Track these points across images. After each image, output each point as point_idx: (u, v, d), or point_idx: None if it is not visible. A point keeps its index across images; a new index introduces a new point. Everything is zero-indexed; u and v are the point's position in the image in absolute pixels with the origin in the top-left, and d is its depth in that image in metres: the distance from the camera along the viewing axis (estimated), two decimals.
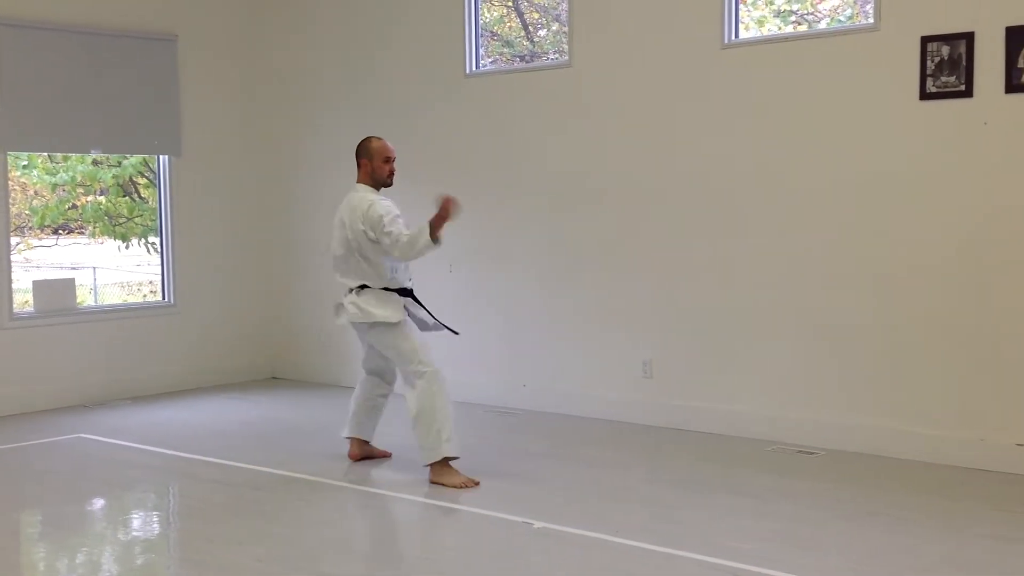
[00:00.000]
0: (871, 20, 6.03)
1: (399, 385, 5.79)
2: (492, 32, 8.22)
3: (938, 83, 5.78)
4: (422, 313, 5.79)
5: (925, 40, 5.79)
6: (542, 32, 8.28)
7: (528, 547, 4.57)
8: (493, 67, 7.90)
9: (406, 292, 5.73)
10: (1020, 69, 5.52)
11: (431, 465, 5.47)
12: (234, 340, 8.87)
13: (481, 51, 7.86)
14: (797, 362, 6.35)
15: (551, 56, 7.84)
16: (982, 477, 5.57)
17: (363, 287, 5.66)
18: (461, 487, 5.35)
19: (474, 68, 7.76)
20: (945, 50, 5.74)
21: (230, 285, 8.83)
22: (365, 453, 6.04)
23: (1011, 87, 5.55)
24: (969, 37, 5.66)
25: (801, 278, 6.31)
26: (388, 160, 5.73)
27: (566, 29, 7.29)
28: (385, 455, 6.10)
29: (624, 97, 6.97)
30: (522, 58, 8.07)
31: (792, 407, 6.37)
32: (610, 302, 7.10)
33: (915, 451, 5.91)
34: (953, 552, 4.40)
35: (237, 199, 8.87)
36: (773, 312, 6.41)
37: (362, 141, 5.83)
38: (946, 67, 5.74)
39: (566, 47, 7.30)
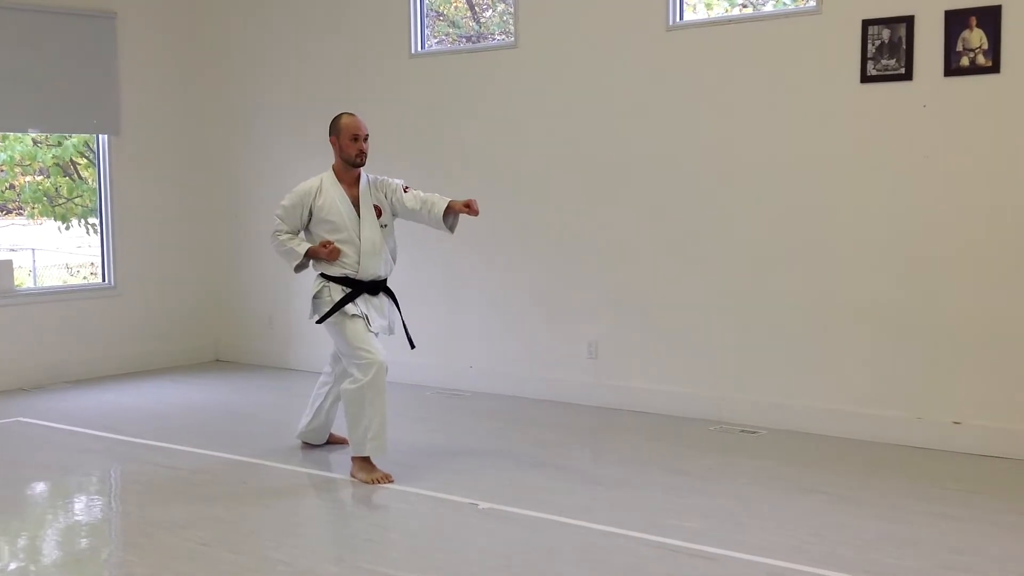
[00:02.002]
0: (813, 3, 6.08)
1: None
2: (438, 13, 8.16)
3: (879, 66, 5.84)
4: (380, 315, 5.47)
5: (866, 23, 5.85)
6: (488, 13, 8.25)
7: (474, 528, 4.58)
8: (438, 48, 7.86)
9: (362, 286, 5.40)
10: (959, 53, 5.60)
11: (353, 457, 5.35)
12: (176, 322, 8.77)
13: (427, 32, 7.81)
14: (739, 343, 6.41)
15: (497, 37, 7.81)
16: (919, 455, 5.68)
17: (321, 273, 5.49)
18: (373, 483, 5.17)
19: (419, 49, 7.72)
20: (886, 33, 5.81)
21: (172, 266, 8.73)
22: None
23: (950, 70, 5.63)
24: (909, 21, 5.73)
25: (742, 260, 6.37)
26: (356, 139, 5.41)
27: (512, 10, 7.27)
28: (342, 441, 5.86)
29: (569, 78, 6.97)
30: (468, 39, 8.03)
31: (734, 388, 6.43)
32: (556, 284, 7.12)
33: (854, 430, 6.01)
34: (891, 529, 4.48)
35: (178, 179, 8.76)
36: (716, 294, 6.47)
37: (333, 118, 5.54)
38: (886, 50, 5.81)
39: (512, 28, 7.28)
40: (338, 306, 5.33)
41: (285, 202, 5.49)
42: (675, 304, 6.64)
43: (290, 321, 8.53)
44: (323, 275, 5.45)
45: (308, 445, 5.94)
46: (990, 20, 5.50)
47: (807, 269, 6.16)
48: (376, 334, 5.41)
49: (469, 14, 8.36)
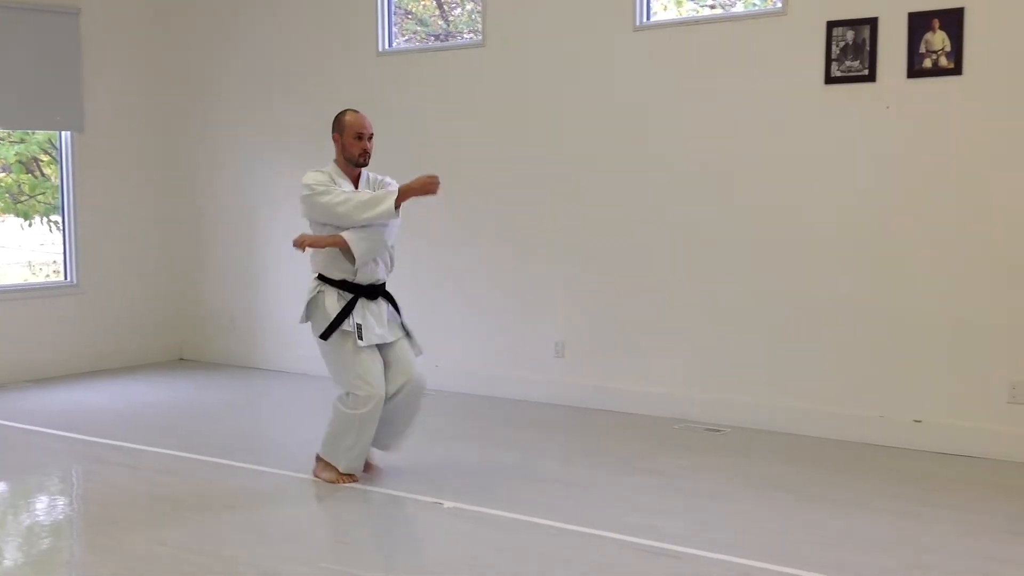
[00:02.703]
0: (779, 5, 6.12)
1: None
2: (406, 11, 8.14)
3: (843, 67, 5.89)
4: (379, 323, 5.10)
5: (831, 25, 5.89)
6: (457, 11, 8.23)
7: (440, 527, 4.57)
8: (406, 46, 7.84)
9: (360, 290, 5.10)
10: (922, 55, 5.65)
11: (319, 458, 5.23)
12: (140, 321, 8.70)
13: (395, 30, 7.79)
14: (704, 343, 6.44)
15: (466, 36, 7.80)
16: (882, 453, 5.73)
17: (319, 275, 5.14)
18: (338, 482, 5.11)
19: (386, 46, 7.69)
20: (850, 35, 5.85)
21: (135, 264, 8.65)
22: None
23: (913, 72, 5.68)
24: (873, 22, 5.77)
25: (708, 260, 6.40)
26: (360, 137, 5.10)
27: (480, 9, 7.26)
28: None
29: (537, 78, 6.97)
30: (437, 37, 8.01)
31: (700, 386, 6.46)
32: (523, 283, 7.12)
33: (818, 428, 6.05)
34: (856, 527, 4.51)
35: (143, 176, 8.68)
36: (682, 293, 6.49)
37: (337, 114, 5.22)
38: (851, 52, 5.86)
39: (480, 27, 7.27)
40: (336, 322, 5.02)
41: (311, 180, 5.04)
42: (642, 303, 6.66)
43: (254, 320, 8.48)
44: (320, 276, 5.12)
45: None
46: (953, 22, 5.56)
47: (772, 269, 6.19)
48: (376, 345, 5.08)
49: (438, 12, 8.34)
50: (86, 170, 8.29)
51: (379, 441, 5.22)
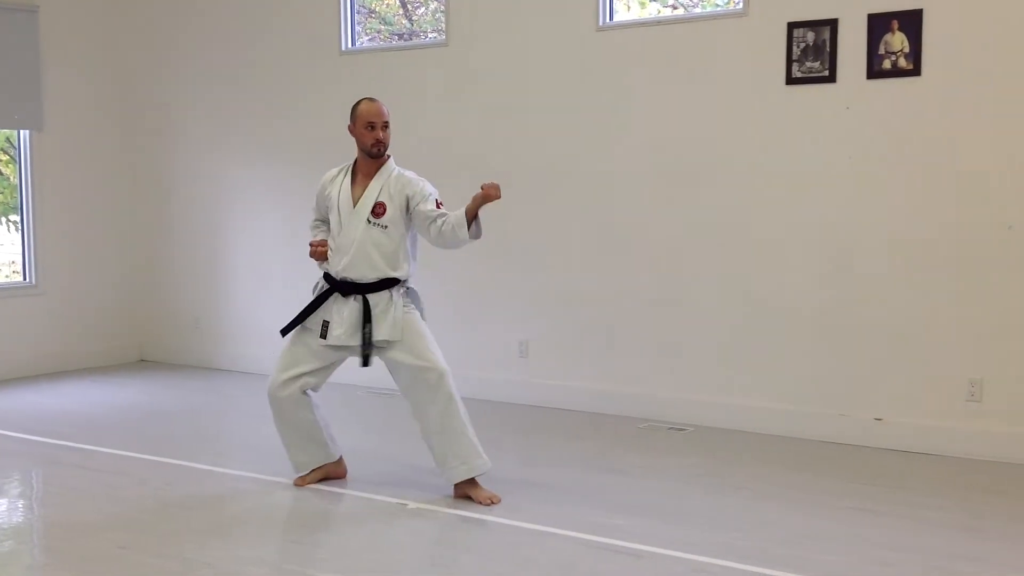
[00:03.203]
0: (740, 6, 6.15)
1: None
2: (370, 10, 8.11)
3: (803, 68, 5.93)
4: (340, 325, 4.90)
5: (791, 26, 5.93)
6: (421, 10, 8.21)
7: (403, 528, 4.55)
8: (369, 45, 7.81)
9: (338, 286, 4.94)
10: (881, 56, 5.70)
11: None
12: (100, 321, 8.61)
13: (359, 29, 7.76)
14: (667, 342, 6.46)
15: (430, 35, 7.78)
16: (842, 451, 5.77)
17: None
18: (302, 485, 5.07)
19: (349, 45, 7.66)
20: (810, 36, 5.89)
21: (96, 264, 8.56)
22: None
23: (872, 73, 5.73)
24: (833, 24, 5.82)
25: (669, 259, 6.42)
26: (372, 127, 4.87)
27: (444, 8, 7.25)
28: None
29: (500, 77, 6.97)
30: (400, 36, 7.99)
31: (663, 386, 6.48)
32: (487, 283, 7.11)
33: (779, 426, 6.09)
34: (816, 524, 4.54)
35: (102, 175, 8.60)
36: (645, 293, 6.51)
37: (354, 104, 5.01)
38: (811, 53, 5.90)
39: (444, 26, 7.26)
40: (301, 316, 4.98)
41: (316, 189, 5.10)
42: (604, 303, 6.67)
43: (218, 321, 8.42)
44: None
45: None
46: (912, 24, 5.61)
47: (733, 268, 6.22)
48: (339, 347, 4.93)
49: (401, 12, 8.32)
50: (45, 169, 8.20)
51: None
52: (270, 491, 5.12)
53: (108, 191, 8.63)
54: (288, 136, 7.86)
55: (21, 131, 8.16)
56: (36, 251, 8.21)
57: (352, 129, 4.95)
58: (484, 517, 4.62)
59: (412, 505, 4.79)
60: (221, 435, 6.42)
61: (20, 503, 5.14)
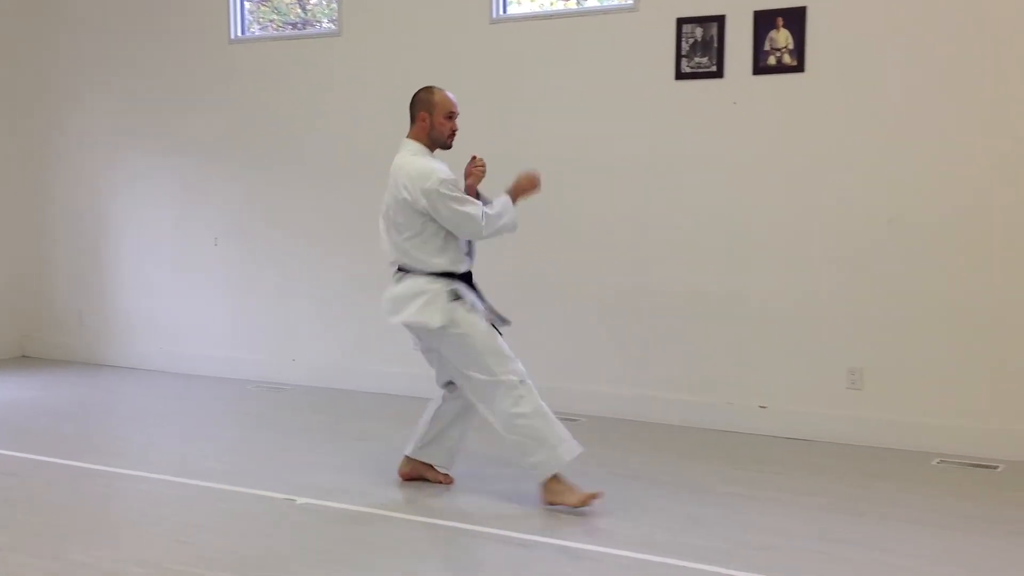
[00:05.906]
0: (631, 1, 6.21)
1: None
2: None
3: (692, 63, 6.02)
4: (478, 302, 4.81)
5: (680, 21, 6.02)
6: (314, 0, 8.11)
7: (290, 524, 4.50)
8: (259, 34, 7.69)
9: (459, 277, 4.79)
10: (766, 52, 5.82)
11: (546, 487, 4.68)
12: None
13: (250, 18, 7.63)
14: (558, 334, 6.51)
15: (324, 25, 7.69)
16: (730, 438, 5.90)
17: (403, 270, 4.77)
18: (583, 503, 4.61)
19: (239, 34, 7.53)
20: (699, 32, 5.99)
21: None
22: (417, 474, 5.11)
23: (758, 69, 5.85)
24: (720, 20, 5.92)
25: (561, 250, 6.47)
26: (451, 116, 4.76)
27: None
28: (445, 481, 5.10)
29: (393, 69, 6.93)
30: (294, 25, 7.88)
31: (555, 377, 6.52)
32: (379, 275, 7.05)
33: (670, 415, 6.19)
34: (701, 511, 4.62)
35: None
36: (537, 284, 6.55)
37: (420, 92, 4.80)
38: (699, 48, 5.99)
39: (337, 16, 7.19)
40: (488, 306, 4.97)
41: (450, 178, 4.70)
42: (500, 296, 6.66)
43: (103, 316, 8.21)
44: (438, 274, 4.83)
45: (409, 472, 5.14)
46: (796, 21, 5.74)
47: (622, 259, 6.30)
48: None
49: (295, 1, 8.21)
50: None
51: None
52: (155, 489, 5.01)
53: None
54: (177, 127, 7.70)
55: None
56: None
57: (426, 118, 4.75)
58: (375, 511, 4.59)
59: (301, 500, 4.74)
60: (105, 433, 6.27)
61: None
